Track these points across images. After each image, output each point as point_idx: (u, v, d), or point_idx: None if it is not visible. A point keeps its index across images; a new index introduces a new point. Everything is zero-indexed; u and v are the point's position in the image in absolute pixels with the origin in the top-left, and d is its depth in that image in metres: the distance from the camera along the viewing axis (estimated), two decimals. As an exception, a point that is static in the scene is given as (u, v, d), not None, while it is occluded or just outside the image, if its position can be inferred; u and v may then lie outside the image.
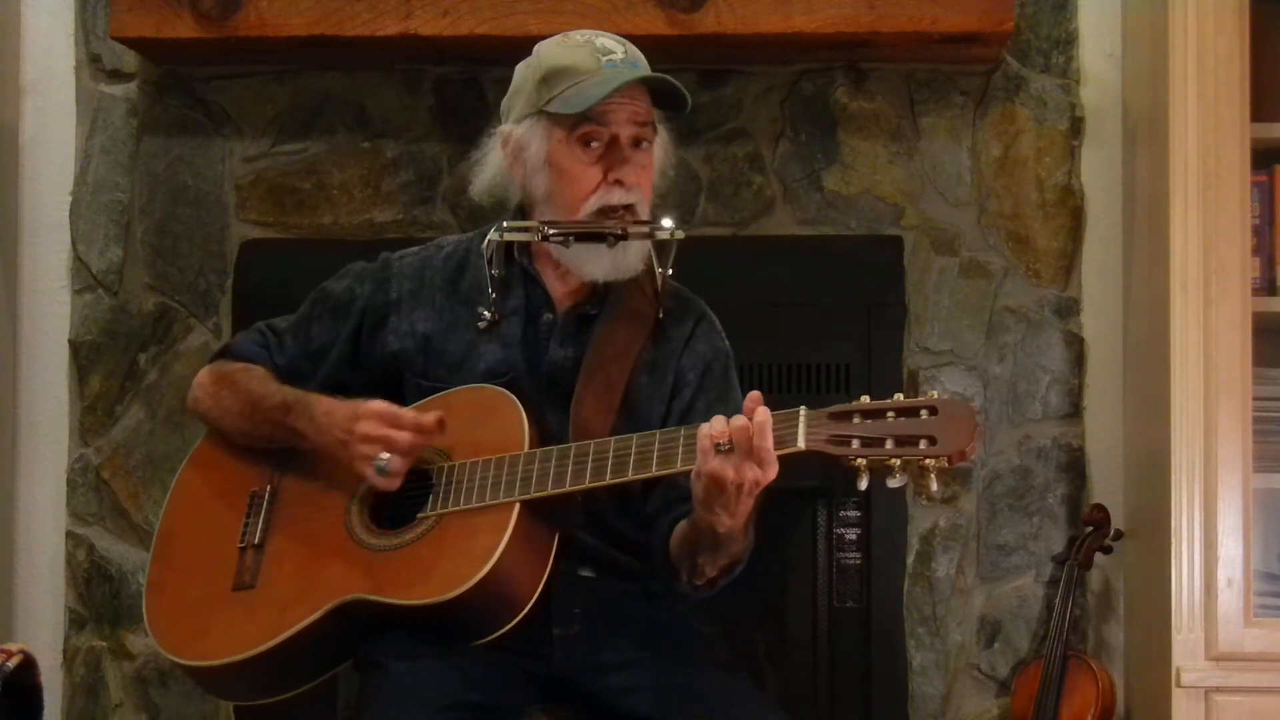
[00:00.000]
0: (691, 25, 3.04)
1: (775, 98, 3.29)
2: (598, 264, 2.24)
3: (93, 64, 3.37)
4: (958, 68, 3.24)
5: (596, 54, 2.22)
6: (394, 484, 2.19)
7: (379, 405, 2.21)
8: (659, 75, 2.23)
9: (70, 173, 3.38)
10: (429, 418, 2.19)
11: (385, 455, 2.17)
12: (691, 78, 3.28)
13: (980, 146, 3.27)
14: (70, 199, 3.38)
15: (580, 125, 2.20)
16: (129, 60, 3.34)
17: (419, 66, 3.31)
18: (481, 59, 3.21)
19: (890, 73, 3.27)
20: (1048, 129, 3.26)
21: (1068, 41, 3.26)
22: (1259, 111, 2.79)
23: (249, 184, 3.35)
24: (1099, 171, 3.26)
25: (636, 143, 2.23)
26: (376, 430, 2.18)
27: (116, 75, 3.37)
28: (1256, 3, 2.79)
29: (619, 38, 2.28)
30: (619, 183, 2.21)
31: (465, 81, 3.31)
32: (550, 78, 2.22)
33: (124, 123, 3.36)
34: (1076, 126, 3.27)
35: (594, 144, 2.21)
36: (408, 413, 2.20)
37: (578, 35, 2.27)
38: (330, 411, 2.25)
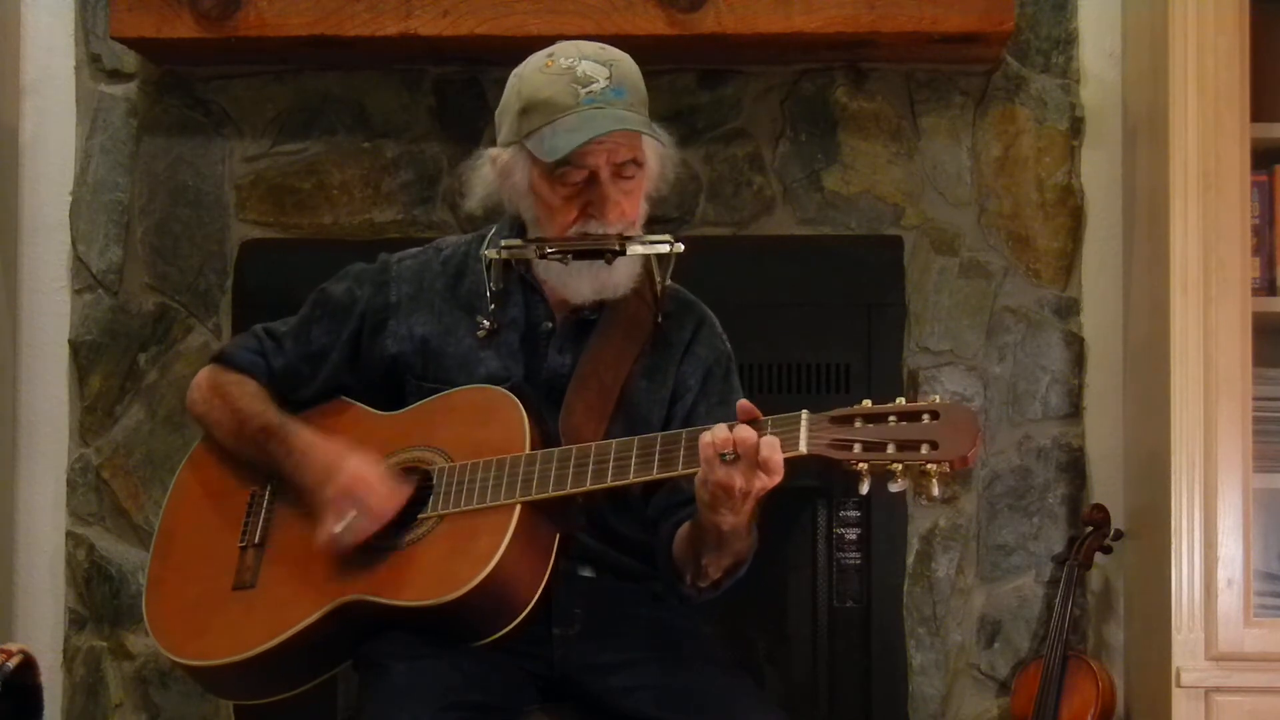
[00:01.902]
0: (691, 25, 3.03)
1: (775, 98, 3.29)
2: (581, 285, 2.23)
3: (93, 64, 3.37)
4: (958, 68, 3.24)
5: (575, 85, 2.17)
6: (343, 551, 2.17)
7: (353, 471, 2.19)
8: (629, 128, 2.17)
9: (70, 173, 3.38)
10: (403, 494, 2.18)
11: (351, 515, 2.16)
12: (691, 78, 3.28)
13: (980, 146, 3.27)
14: (70, 199, 3.38)
15: (556, 165, 2.17)
16: (129, 60, 3.34)
17: (419, 66, 3.31)
18: (481, 59, 3.21)
19: (890, 73, 3.27)
20: (1048, 129, 3.26)
21: (1068, 41, 3.26)
22: (1259, 111, 2.79)
23: (249, 184, 3.35)
24: (1099, 171, 3.26)
25: (620, 174, 2.20)
26: (344, 504, 2.17)
27: (116, 75, 3.37)
28: (1256, 3, 2.79)
29: (607, 55, 2.22)
30: (596, 218, 2.19)
31: (465, 81, 3.31)
32: (529, 110, 2.19)
33: (124, 123, 3.36)
34: (1076, 126, 3.27)
35: (571, 181, 2.19)
36: (374, 502, 2.17)
37: (562, 58, 2.21)
38: (306, 451, 2.25)
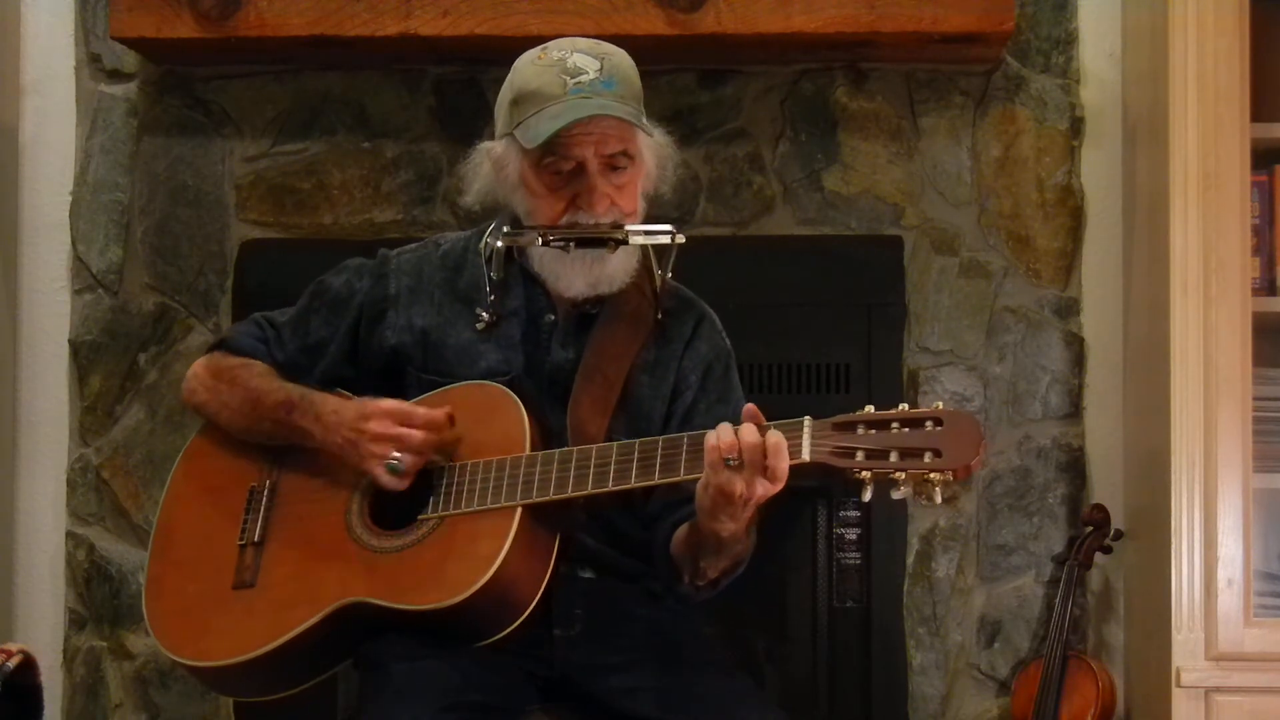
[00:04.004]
0: (691, 25, 3.04)
1: (775, 98, 3.29)
2: (575, 278, 2.22)
3: (93, 64, 3.37)
4: (958, 68, 3.25)
5: (564, 76, 2.17)
6: (404, 484, 2.17)
7: (389, 404, 2.19)
8: (612, 114, 2.15)
9: (70, 173, 3.38)
10: (439, 413, 2.17)
11: (397, 455, 2.16)
12: (691, 78, 3.28)
13: (980, 146, 3.27)
14: (70, 199, 3.38)
15: (544, 155, 2.17)
16: (129, 60, 3.34)
17: (419, 66, 3.31)
18: (481, 59, 3.21)
19: (890, 73, 3.27)
20: (1048, 129, 3.26)
21: (1068, 41, 3.27)
22: (1259, 111, 2.80)
23: (249, 184, 3.35)
24: (1099, 171, 3.27)
25: (612, 165, 2.19)
26: (388, 429, 2.17)
27: (116, 75, 3.37)
28: (1256, 3, 2.79)
29: (600, 50, 2.22)
30: (584, 209, 2.19)
31: (465, 81, 3.31)
32: (519, 100, 2.20)
33: (124, 123, 3.36)
34: (1076, 126, 3.27)
35: (560, 171, 2.19)
36: (419, 410, 2.18)
37: (555, 51, 2.21)
38: (337, 410, 2.23)
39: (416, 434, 2.17)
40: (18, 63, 3.37)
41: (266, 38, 3.11)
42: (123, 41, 3.21)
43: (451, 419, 2.18)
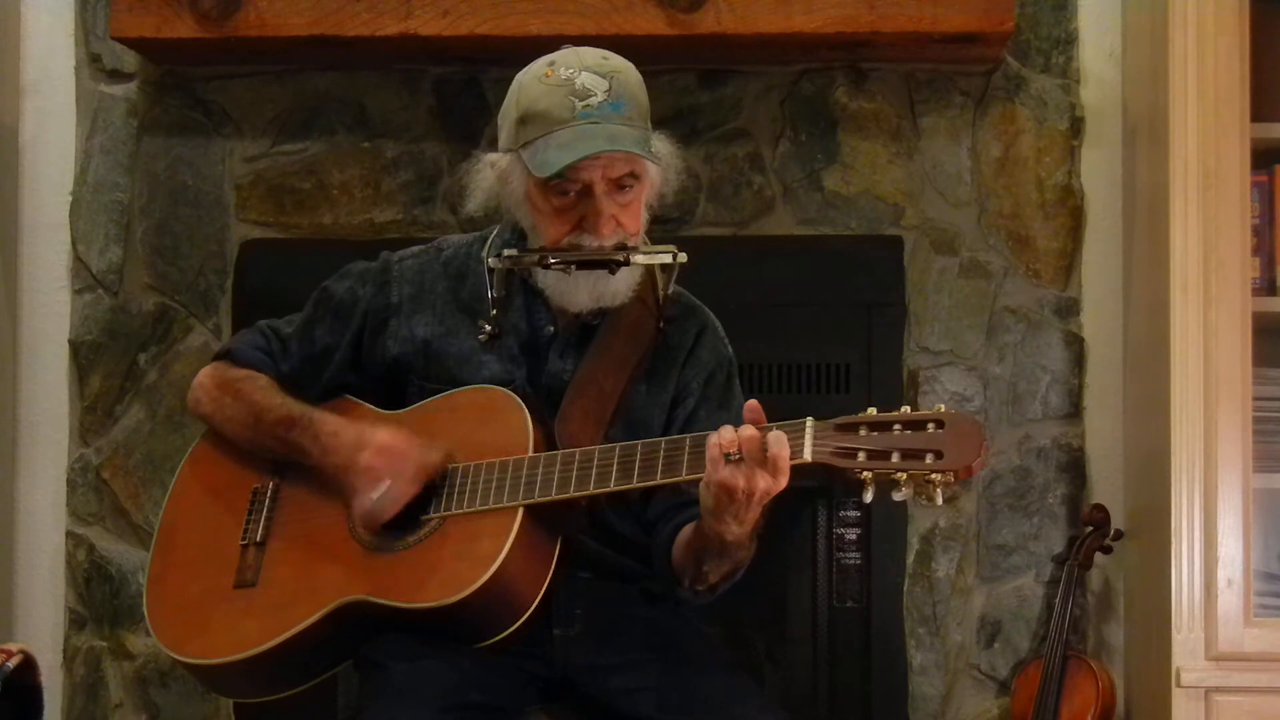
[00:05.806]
0: (691, 25, 3.04)
1: (775, 98, 3.29)
2: (579, 294, 2.22)
3: (93, 64, 3.37)
4: (958, 68, 3.25)
5: (572, 99, 2.14)
6: (383, 518, 2.18)
7: (384, 438, 2.20)
8: (621, 149, 2.14)
9: (70, 173, 3.38)
10: (432, 457, 2.18)
11: (385, 485, 2.17)
12: (691, 78, 3.28)
13: (980, 146, 3.27)
14: (70, 199, 3.38)
15: (550, 177, 2.16)
16: (129, 60, 3.34)
17: (419, 66, 3.31)
18: (481, 59, 3.21)
19: (890, 73, 3.27)
20: (1048, 129, 3.27)
21: (1068, 41, 3.27)
22: (1259, 111, 2.80)
23: (249, 184, 3.35)
24: (1099, 171, 3.27)
25: (619, 186, 2.18)
26: (379, 464, 2.18)
27: (116, 75, 3.37)
28: (1256, 3, 2.79)
29: (608, 66, 2.19)
30: (589, 232, 2.18)
31: (465, 81, 3.31)
32: (526, 120, 2.18)
33: (124, 123, 3.36)
34: (1076, 126, 3.27)
35: (566, 193, 2.18)
36: (412, 450, 2.19)
37: (562, 69, 2.18)
38: (335, 433, 2.24)
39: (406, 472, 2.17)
40: (18, 63, 3.37)
41: (266, 38, 3.11)
42: (123, 41, 3.21)
43: (444, 469, 2.18)
